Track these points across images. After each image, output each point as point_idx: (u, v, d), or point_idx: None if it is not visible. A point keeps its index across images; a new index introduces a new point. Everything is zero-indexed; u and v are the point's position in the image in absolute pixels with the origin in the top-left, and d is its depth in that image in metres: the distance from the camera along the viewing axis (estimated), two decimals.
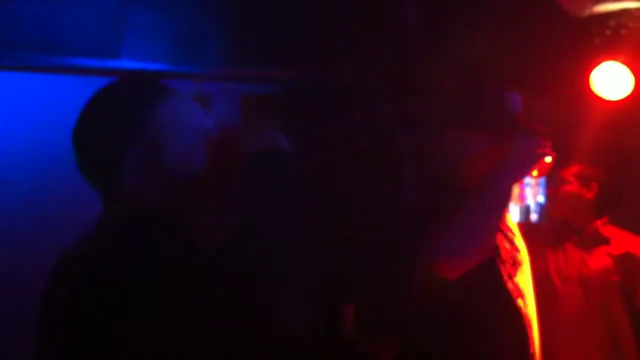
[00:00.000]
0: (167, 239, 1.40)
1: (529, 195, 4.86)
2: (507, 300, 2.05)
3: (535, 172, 2.13)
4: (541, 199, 4.86)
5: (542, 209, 4.84)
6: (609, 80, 3.55)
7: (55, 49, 2.99)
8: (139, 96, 1.50)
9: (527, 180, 4.83)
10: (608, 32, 3.40)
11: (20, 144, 3.38)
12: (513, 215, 4.72)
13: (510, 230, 2.25)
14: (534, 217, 4.85)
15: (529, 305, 2.15)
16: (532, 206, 4.86)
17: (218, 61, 3.50)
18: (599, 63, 3.52)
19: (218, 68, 3.55)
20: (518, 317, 2.06)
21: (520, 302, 2.10)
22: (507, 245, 2.17)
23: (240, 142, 1.47)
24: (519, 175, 2.09)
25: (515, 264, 2.17)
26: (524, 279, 2.18)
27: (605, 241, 3.33)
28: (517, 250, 2.22)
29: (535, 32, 3.55)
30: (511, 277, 2.12)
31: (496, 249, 2.09)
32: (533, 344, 2.09)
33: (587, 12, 3.27)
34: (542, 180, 4.83)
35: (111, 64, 3.27)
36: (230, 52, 3.46)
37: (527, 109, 2.13)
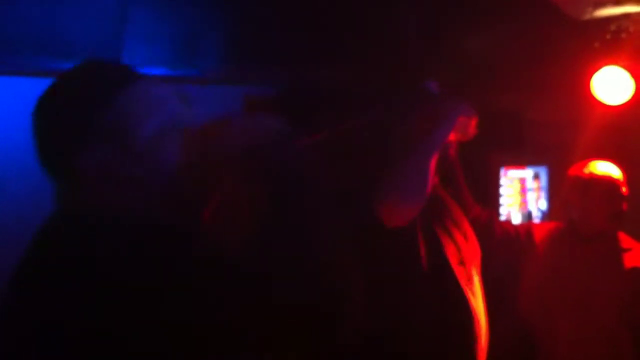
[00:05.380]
0: (132, 249, 1.17)
1: (531, 200, 4.84)
2: (457, 291, 2.18)
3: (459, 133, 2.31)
4: (543, 205, 4.84)
5: (545, 216, 4.83)
6: (610, 84, 3.55)
7: (55, 52, 2.99)
8: (102, 78, 1.31)
9: (529, 185, 4.82)
10: (608, 36, 3.40)
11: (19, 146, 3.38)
12: (515, 221, 4.74)
13: (469, 229, 2.41)
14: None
15: (478, 301, 2.26)
16: (534, 212, 4.85)
17: (220, 63, 3.50)
18: (599, 67, 3.52)
19: (220, 70, 3.56)
20: (465, 307, 2.18)
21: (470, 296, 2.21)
22: (463, 241, 2.32)
23: (229, 132, 1.22)
24: (444, 129, 2.26)
25: (471, 260, 2.30)
26: (475, 276, 2.31)
27: (622, 252, 3.13)
28: (472, 247, 2.36)
29: (536, 37, 3.55)
30: (465, 265, 2.25)
31: (454, 243, 2.26)
32: (479, 336, 2.20)
33: (587, 16, 3.27)
34: (545, 185, 4.82)
35: None
36: (232, 54, 3.47)
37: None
